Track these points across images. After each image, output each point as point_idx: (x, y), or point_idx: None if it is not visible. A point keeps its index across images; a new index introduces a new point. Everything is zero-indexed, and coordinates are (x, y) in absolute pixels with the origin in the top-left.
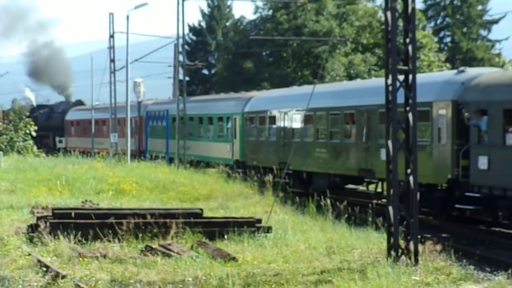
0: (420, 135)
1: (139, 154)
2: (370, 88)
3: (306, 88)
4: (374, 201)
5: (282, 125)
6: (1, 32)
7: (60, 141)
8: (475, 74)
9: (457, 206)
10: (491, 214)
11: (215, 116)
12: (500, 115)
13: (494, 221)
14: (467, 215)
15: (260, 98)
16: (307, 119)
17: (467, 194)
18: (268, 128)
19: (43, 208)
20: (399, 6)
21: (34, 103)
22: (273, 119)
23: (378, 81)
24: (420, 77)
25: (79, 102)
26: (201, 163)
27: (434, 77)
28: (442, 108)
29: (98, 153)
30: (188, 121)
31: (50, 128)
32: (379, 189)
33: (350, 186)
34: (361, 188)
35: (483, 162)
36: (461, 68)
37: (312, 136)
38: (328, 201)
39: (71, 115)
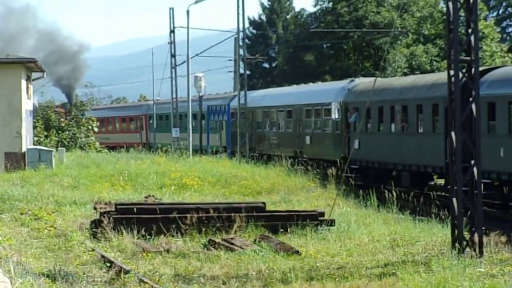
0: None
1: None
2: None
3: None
4: None
5: (252, 119)
6: None
7: None
8: (358, 82)
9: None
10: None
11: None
12: (363, 111)
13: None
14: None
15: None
16: (266, 115)
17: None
18: (244, 122)
19: (106, 204)
20: None
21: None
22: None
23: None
24: (325, 85)
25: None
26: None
27: (334, 84)
28: (337, 106)
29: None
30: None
31: None
32: None
33: None
34: None
35: (356, 144)
36: (352, 79)
37: (268, 127)
38: (394, 193)
39: None
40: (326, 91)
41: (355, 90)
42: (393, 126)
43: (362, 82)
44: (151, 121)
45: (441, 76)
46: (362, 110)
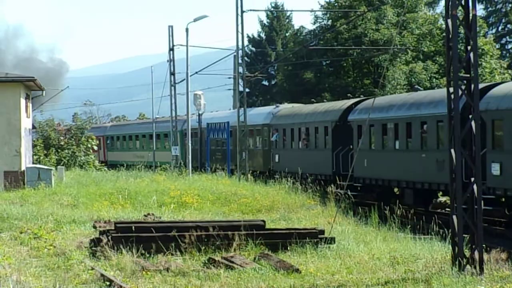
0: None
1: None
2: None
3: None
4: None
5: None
6: None
7: None
8: (281, 108)
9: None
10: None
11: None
12: (281, 132)
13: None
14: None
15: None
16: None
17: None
18: (194, 141)
19: (105, 222)
20: (459, 14)
21: None
22: (195, 134)
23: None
24: (258, 109)
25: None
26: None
27: (265, 109)
28: (265, 128)
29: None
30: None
31: None
32: None
33: None
34: None
35: (277, 158)
36: (277, 105)
37: (215, 145)
38: (397, 211)
39: None
40: (259, 115)
41: (277, 115)
42: (300, 143)
43: (285, 108)
44: (108, 142)
45: (332, 105)
46: (281, 131)
